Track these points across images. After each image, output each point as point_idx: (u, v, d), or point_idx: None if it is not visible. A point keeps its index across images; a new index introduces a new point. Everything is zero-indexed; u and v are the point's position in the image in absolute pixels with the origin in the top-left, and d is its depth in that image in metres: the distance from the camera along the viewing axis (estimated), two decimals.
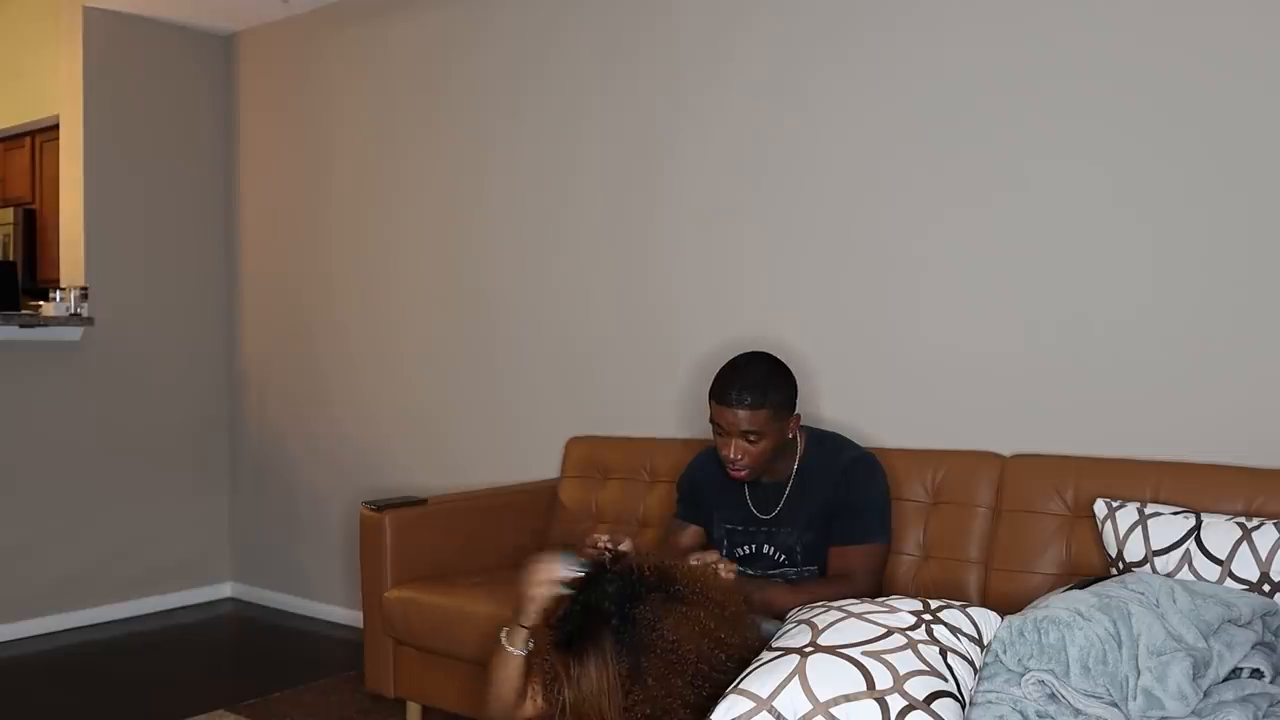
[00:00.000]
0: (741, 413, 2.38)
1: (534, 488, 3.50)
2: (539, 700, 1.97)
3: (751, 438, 2.40)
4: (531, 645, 1.95)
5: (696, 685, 1.80)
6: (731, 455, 2.43)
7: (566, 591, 1.89)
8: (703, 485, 2.67)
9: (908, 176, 2.93)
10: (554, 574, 1.92)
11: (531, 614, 1.93)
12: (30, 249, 5.44)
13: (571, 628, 1.86)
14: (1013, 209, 2.76)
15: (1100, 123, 2.62)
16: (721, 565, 2.24)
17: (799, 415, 2.50)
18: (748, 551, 2.58)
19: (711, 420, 2.46)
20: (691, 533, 2.71)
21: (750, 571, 2.58)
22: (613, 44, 3.56)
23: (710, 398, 2.45)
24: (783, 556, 2.54)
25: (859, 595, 2.09)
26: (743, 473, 2.46)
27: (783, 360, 2.53)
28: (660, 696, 1.79)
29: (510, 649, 1.99)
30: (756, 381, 2.40)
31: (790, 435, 2.49)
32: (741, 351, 2.56)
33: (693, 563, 2.07)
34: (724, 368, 2.47)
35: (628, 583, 1.88)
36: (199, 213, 4.77)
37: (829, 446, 2.57)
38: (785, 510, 2.53)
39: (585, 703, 1.78)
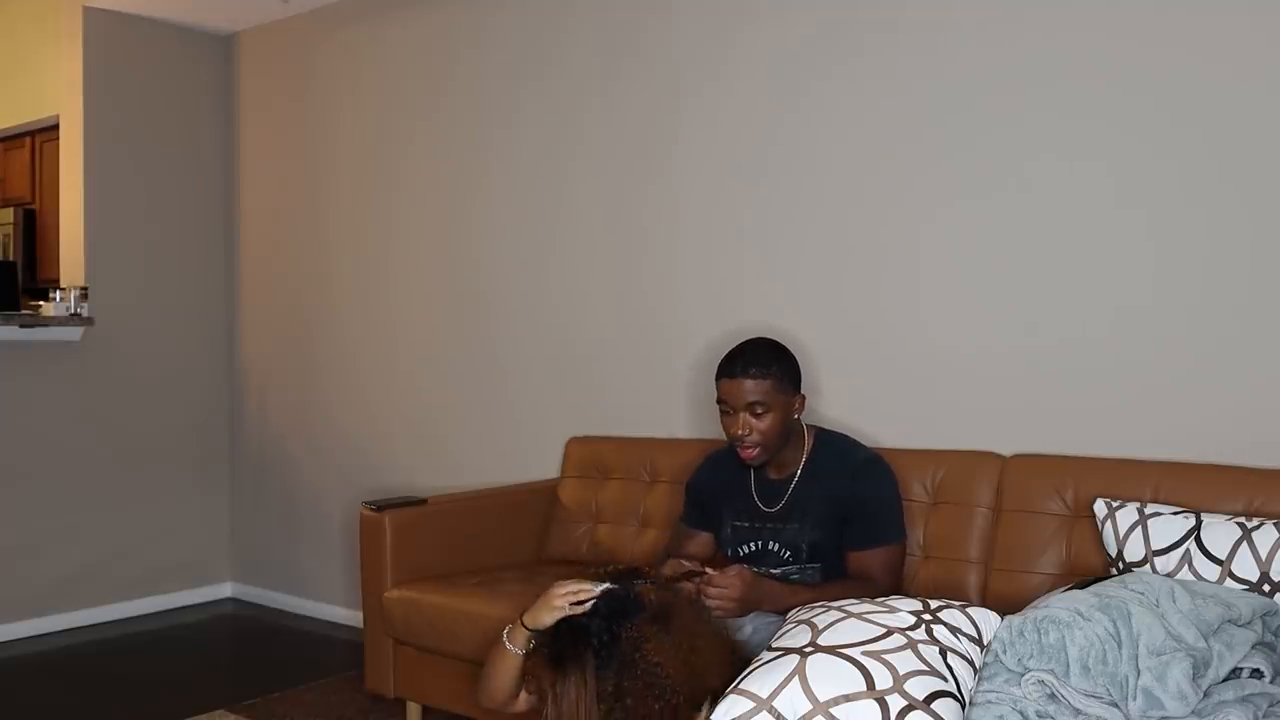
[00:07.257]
0: (748, 383, 2.42)
1: (534, 488, 3.50)
2: (532, 698, 2.02)
3: (759, 409, 2.42)
4: (531, 645, 1.97)
5: (672, 713, 1.84)
6: (739, 431, 2.45)
7: (583, 610, 1.92)
8: (711, 486, 2.68)
9: (907, 177, 2.93)
10: (583, 591, 1.94)
11: (544, 620, 1.94)
12: (30, 249, 5.43)
13: (559, 645, 1.91)
14: (1013, 209, 2.76)
15: (1101, 123, 2.62)
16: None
17: (804, 397, 2.53)
18: (753, 548, 2.58)
19: (719, 401, 2.49)
20: (701, 541, 2.71)
21: (757, 570, 2.59)
22: (612, 44, 3.55)
23: (717, 378, 2.48)
24: (788, 553, 2.54)
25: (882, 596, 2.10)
26: (753, 450, 2.46)
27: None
28: (641, 718, 1.83)
29: (510, 646, 2.01)
30: (761, 355, 2.46)
31: (796, 416, 2.51)
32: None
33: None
34: (728, 352, 2.52)
35: (620, 602, 1.91)
36: (199, 213, 4.77)
37: (838, 446, 2.59)
38: (790, 505, 2.54)
39: (564, 718, 1.84)
